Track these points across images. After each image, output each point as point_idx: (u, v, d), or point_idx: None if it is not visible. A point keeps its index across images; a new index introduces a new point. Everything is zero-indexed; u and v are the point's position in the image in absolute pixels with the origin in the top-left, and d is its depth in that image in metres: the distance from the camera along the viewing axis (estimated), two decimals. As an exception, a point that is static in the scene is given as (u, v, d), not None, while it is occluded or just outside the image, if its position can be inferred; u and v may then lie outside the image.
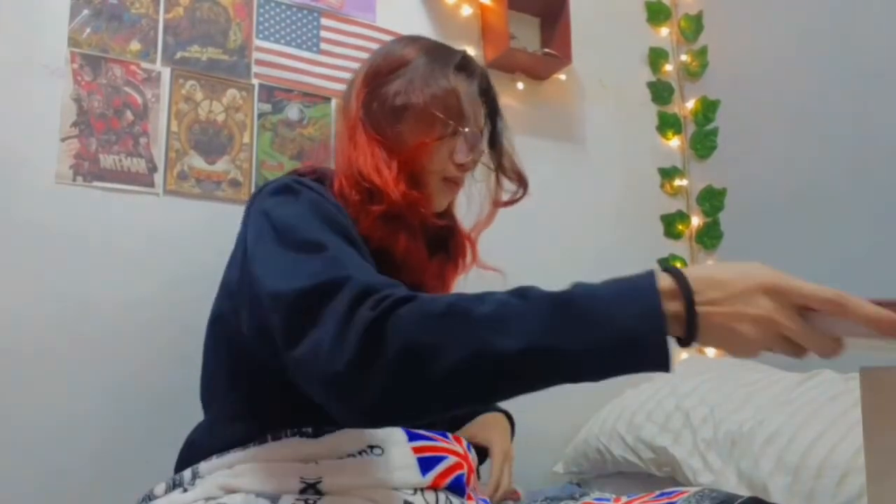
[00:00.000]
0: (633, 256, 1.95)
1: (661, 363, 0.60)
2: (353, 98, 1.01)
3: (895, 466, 0.61)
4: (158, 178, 1.38)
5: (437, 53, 1.03)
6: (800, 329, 0.59)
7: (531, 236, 1.80)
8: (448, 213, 1.10)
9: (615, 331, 0.60)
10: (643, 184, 2.02)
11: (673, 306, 0.61)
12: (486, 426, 1.12)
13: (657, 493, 0.89)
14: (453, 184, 1.03)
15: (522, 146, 1.87)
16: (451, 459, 0.89)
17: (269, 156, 1.49)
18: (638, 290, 0.62)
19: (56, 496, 1.20)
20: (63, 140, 1.30)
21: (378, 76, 1.01)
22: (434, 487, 0.85)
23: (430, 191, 1.00)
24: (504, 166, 1.09)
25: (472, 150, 1.01)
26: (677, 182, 2.05)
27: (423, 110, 0.97)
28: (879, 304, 0.57)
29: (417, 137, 0.97)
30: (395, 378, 0.62)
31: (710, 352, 1.95)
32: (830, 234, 1.70)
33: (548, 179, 1.87)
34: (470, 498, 0.90)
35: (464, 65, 1.03)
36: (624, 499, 0.91)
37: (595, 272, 2.08)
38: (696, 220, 2.04)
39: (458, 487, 0.88)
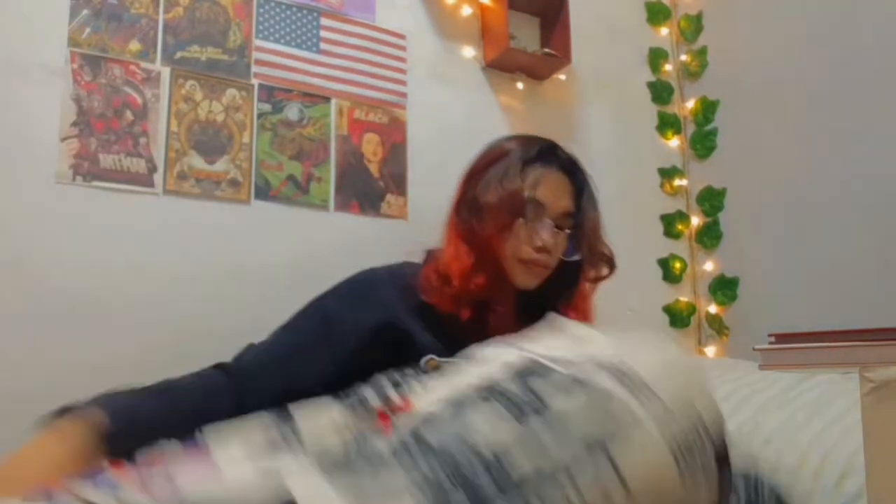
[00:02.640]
0: (633, 256, 1.95)
1: None
2: (454, 197, 1.19)
3: (895, 466, 0.61)
4: (158, 177, 1.38)
5: (524, 147, 1.17)
6: None
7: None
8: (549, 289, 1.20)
9: None
10: (643, 184, 2.02)
11: None
12: None
13: None
14: (533, 265, 1.14)
15: (522, 146, 1.89)
16: None
17: (268, 156, 1.49)
18: None
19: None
20: (63, 140, 1.30)
21: (473, 175, 1.18)
22: None
23: (511, 273, 1.14)
24: (587, 251, 1.20)
25: (547, 234, 1.13)
26: (677, 182, 2.05)
27: (491, 208, 1.13)
28: (877, 332, 0.57)
29: (488, 232, 1.13)
30: None
31: (710, 351, 1.95)
32: (830, 235, 1.70)
33: (547, 179, 1.87)
34: None
35: (543, 154, 1.16)
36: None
37: (595, 272, 2.03)
38: (695, 220, 2.04)
39: None
